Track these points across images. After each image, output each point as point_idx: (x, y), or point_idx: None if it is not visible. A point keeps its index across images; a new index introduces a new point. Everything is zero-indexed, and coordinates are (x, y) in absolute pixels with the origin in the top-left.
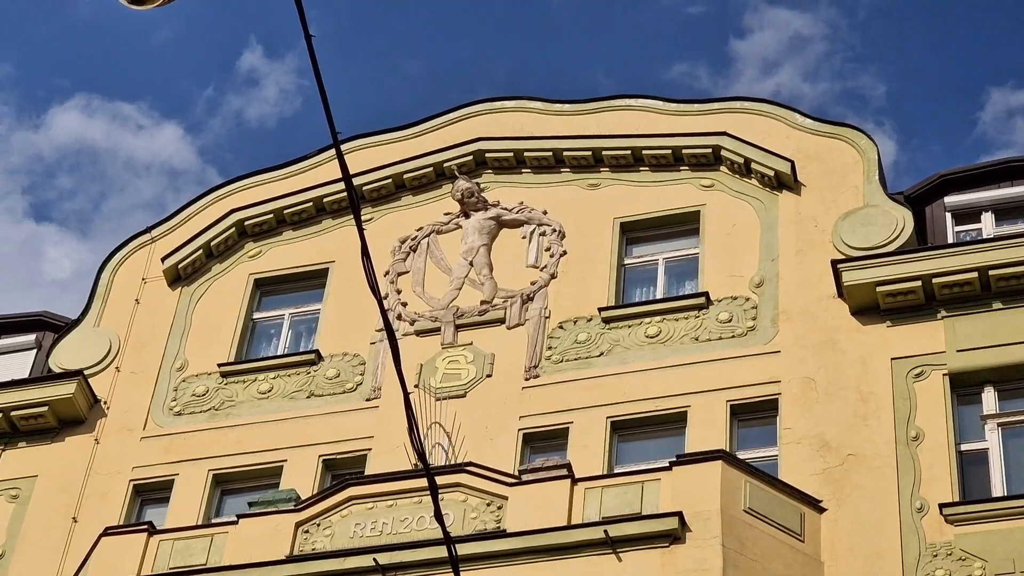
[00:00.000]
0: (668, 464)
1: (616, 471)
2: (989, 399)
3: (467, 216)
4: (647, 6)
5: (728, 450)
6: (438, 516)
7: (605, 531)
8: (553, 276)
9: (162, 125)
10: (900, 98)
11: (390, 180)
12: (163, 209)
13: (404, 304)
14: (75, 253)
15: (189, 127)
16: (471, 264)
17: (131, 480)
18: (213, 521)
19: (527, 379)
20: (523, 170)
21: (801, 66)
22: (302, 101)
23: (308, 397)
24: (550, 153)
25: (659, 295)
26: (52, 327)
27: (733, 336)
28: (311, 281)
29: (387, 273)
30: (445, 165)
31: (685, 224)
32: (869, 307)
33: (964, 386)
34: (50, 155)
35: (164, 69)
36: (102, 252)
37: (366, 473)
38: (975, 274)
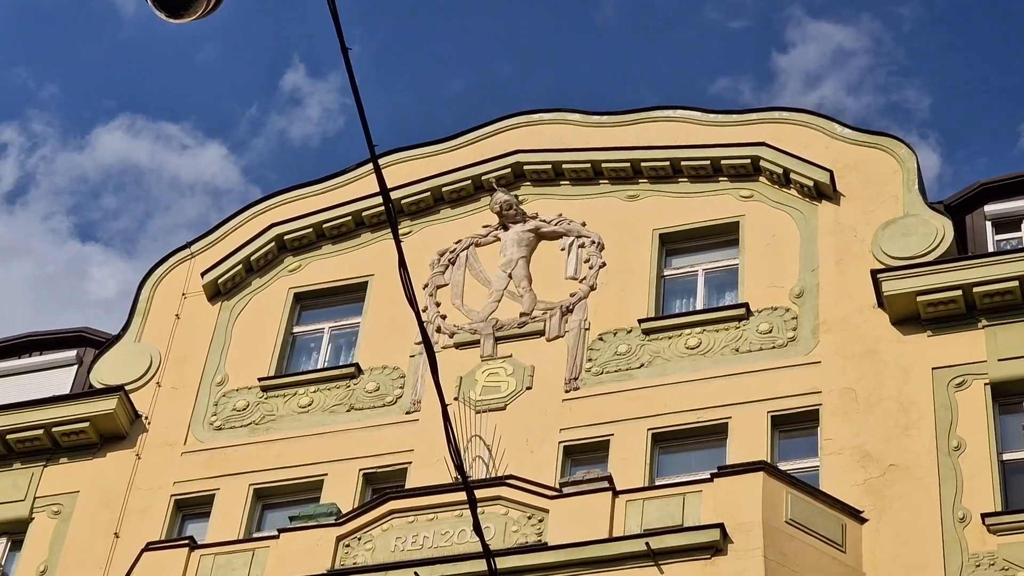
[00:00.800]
0: (709, 476)
1: (657, 483)
2: None
3: (506, 228)
4: (690, 21)
5: (769, 461)
6: (477, 529)
7: (647, 543)
8: (592, 288)
9: (206, 145)
10: (944, 111)
11: (428, 193)
12: (207, 228)
13: (443, 317)
14: (119, 273)
15: (233, 146)
16: (510, 276)
17: (172, 495)
18: (254, 536)
19: (567, 391)
20: (561, 182)
21: (844, 80)
22: (345, 120)
23: (348, 411)
24: (588, 165)
25: (699, 306)
26: (93, 343)
27: (773, 347)
28: (350, 295)
29: (426, 286)
30: (483, 178)
31: (724, 235)
32: (910, 317)
33: (1006, 395)
34: (95, 175)
35: (208, 89)
36: (146, 271)
37: (407, 487)
38: (1016, 283)
